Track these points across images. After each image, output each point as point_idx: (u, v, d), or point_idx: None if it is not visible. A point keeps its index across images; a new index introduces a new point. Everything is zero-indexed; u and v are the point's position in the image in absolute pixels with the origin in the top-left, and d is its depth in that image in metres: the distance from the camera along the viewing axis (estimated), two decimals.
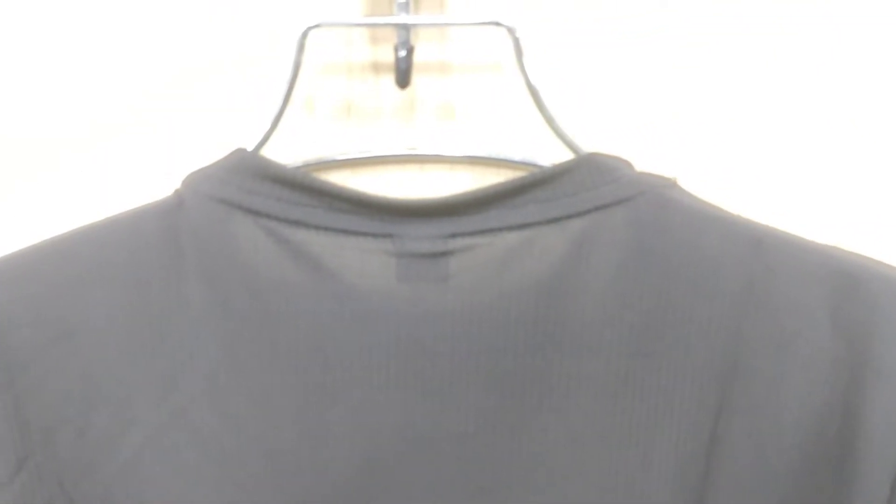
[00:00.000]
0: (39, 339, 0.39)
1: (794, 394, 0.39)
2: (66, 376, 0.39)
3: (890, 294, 0.38)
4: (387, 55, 0.41)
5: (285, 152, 0.42)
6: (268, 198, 0.39)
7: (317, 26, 0.38)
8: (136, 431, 0.40)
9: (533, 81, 0.38)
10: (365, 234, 0.39)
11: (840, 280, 0.38)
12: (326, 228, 0.39)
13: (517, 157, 0.42)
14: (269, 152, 0.39)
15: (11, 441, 0.39)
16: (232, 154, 0.39)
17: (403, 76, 0.39)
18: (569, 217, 0.38)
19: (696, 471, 0.40)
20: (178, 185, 0.39)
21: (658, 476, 0.41)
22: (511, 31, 0.38)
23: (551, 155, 0.42)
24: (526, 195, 0.38)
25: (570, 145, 0.39)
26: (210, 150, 0.42)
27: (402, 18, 0.38)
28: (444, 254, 0.39)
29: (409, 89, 0.40)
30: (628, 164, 0.39)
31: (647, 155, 0.43)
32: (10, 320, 0.39)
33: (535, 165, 0.42)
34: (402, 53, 0.38)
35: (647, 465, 0.40)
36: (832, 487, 0.40)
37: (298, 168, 0.42)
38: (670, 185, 0.39)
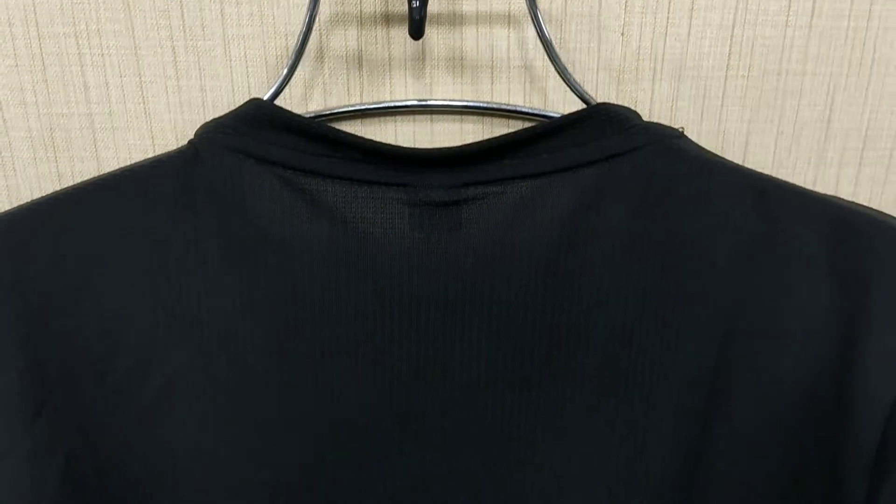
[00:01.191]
0: (60, 288, 0.40)
1: (793, 341, 0.40)
2: (86, 324, 0.40)
3: (886, 241, 0.39)
4: (399, 6, 0.41)
5: (299, 103, 0.43)
6: (283, 147, 0.39)
7: None
8: (156, 376, 0.41)
9: (546, 33, 0.39)
10: (379, 184, 0.39)
11: (838, 228, 0.39)
12: (341, 178, 0.39)
13: (528, 108, 0.43)
14: (282, 103, 0.40)
15: (31, 386, 0.40)
16: (247, 104, 0.39)
17: (417, 27, 0.39)
18: (579, 167, 0.39)
19: (698, 419, 0.41)
20: (188, 135, 0.39)
21: (661, 425, 0.42)
22: None
23: (562, 107, 0.43)
24: (538, 145, 0.39)
25: (582, 96, 0.40)
26: (224, 100, 0.43)
27: None
28: (457, 203, 0.40)
29: (421, 41, 0.40)
30: (637, 115, 0.40)
31: (655, 107, 0.44)
32: (30, 271, 0.39)
33: (545, 117, 0.42)
34: (416, 4, 0.39)
35: (651, 414, 0.41)
36: (829, 432, 0.41)
37: (312, 118, 0.42)
38: (677, 135, 0.40)
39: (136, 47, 0.41)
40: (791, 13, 0.41)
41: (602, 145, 0.39)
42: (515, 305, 0.40)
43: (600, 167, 0.39)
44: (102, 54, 0.41)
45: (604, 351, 0.40)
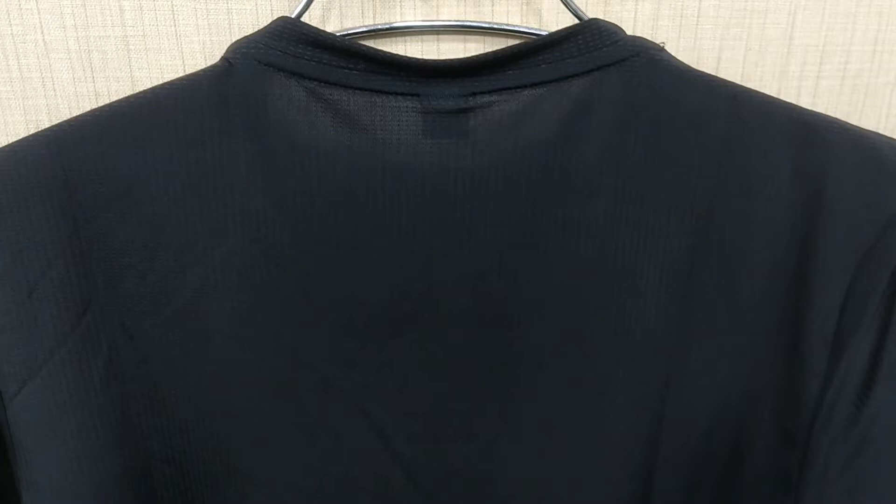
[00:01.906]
0: (104, 194, 0.44)
1: (761, 229, 0.45)
2: (129, 227, 0.44)
3: (842, 142, 0.45)
4: None
5: (317, 24, 0.47)
6: (309, 61, 0.43)
7: None
8: (193, 275, 0.45)
9: None
10: (395, 94, 0.44)
11: (801, 130, 0.45)
12: (361, 88, 0.44)
13: (525, 27, 0.47)
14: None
15: (78, 286, 0.44)
16: (275, 22, 0.43)
17: None
18: (574, 76, 0.44)
19: (679, 298, 0.47)
20: (216, 56, 0.43)
21: (646, 302, 0.47)
22: None
23: (556, 26, 0.47)
24: (537, 56, 0.44)
25: (575, 13, 0.44)
26: (249, 22, 0.47)
27: None
28: (465, 111, 0.44)
29: None
30: (623, 31, 0.45)
31: (639, 25, 0.48)
32: (77, 178, 0.43)
33: (540, 35, 0.47)
34: None
35: (637, 293, 0.47)
36: (793, 312, 0.47)
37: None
38: (659, 49, 0.45)
39: None
40: None
41: (593, 57, 0.44)
42: (516, 200, 0.45)
43: (592, 76, 0.44)
44: None
45: (596, 237, 0.46)
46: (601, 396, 0.49)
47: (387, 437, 0.49)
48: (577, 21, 0.45)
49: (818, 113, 0.45)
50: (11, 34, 0.46)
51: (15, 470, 0.46)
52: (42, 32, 0.46)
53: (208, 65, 0.43)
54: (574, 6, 0.44)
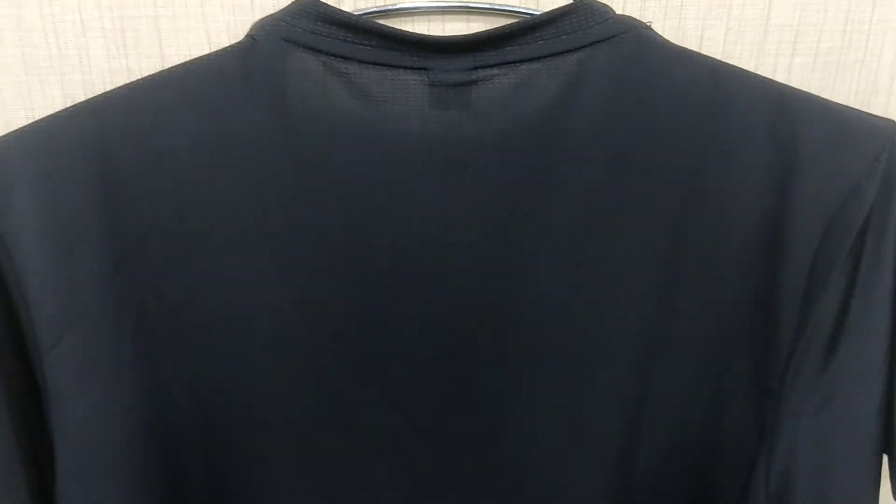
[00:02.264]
0: (137, 162, 0.47)
1: (740, 194, 0.49)
2: (159, 191, 0.48)
3: (813, 112, 0.49)
4: None
5: (333, 5, 0.51)
6: (326, 37, 0.47)
7: None
8: (218, 236, 0.49)
9: None
10: (404, 68, 0.48)
11: (776, 102, 0.49)
12: (373, 63, 0.48)
13: (523, 8, 0.51)
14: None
15: (112, 248, 0.48)
16: (296, 2, 0.47)
17: None
18: (567, 52, 0.48)
19: (665, 259, 0.51)
20: (240, 35, 0.47)
21: (634, 264, 0.51)
22: None
23: (550, 7, 0.51)
24: (534, 34, 0.47)
25: None
26: (269, 3, 0.51)
27: None
28: (468, 83, 0.48)
29: None
30: (613, 10, 0.49)
31: (627, 6, 0.52)
32: (113, 147, 0.47)
33: None
34: None
35: (625, 255, 0.50)
36: (769, 272, 0.51)
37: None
38: (646, 27, 0.49)
39: None
40: None
41: (586, 34, 0.48)
42: (514, 168, 0.49)
43: (584, 52, 0.48)
44: None
45: (587, 202, 0.50)
46: (596, 346, 0.53)
47: (393, 388, 0.53)
48: (570, 1, 0.49)
49: (791, 87, 0.49)
50: (52, 14, 0.50)
51: (48, 418, 0.49)
52: (79, 13, 0.50)
53: (233, 42, 0.47)
54: None
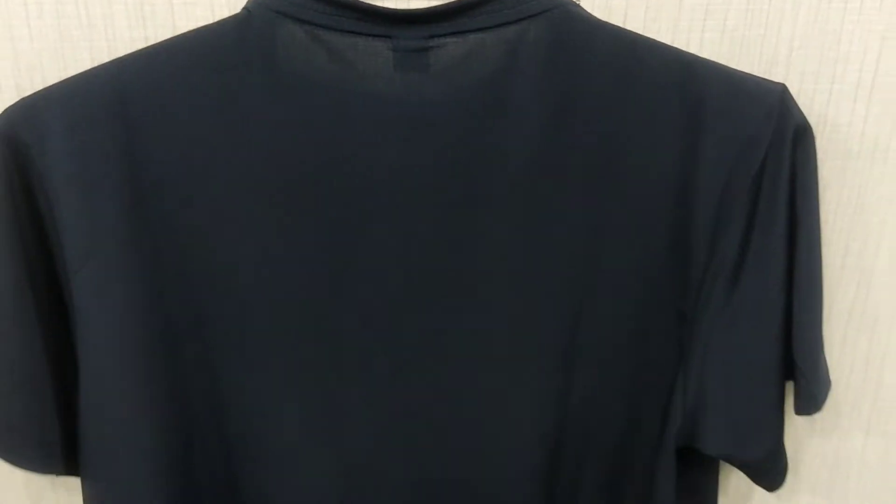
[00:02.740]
0: (151, 113, 0.56)
1: (656, 149, 0.58)
2: (169, 139, 0.57)
3: (715, 76, 0.58)
4: None
5: None
6: (310, 10, 0.56)
7: None
8: (221, 181, 0.58)
9: None
10: (373, 36, 0.57)
11: (684, 67, 0.58)
12: (348, 31, 0.56)
13: None
14: None
15: (130, 188, 0.57)
16: None
17: None
18: (508, 23, 0.56)
19: (594, 207, 0.59)
20: (237, 8, 0.57)
21: (570, 206, 0.59)
22: None
23: None
24: (482, 7, 0.56)
25: None
26: None
27: None
28: (425, 49, 0.57)
29: None
30: None
31: None
32: (131, 100, 0.56)
33: None
34: None
35: (562, 200, 0.59)
36: (682, 215, 0.60)
37: None
38: (575, 4, 0.58)
39: None
40: None
41: (524, 8, 0.56)
42: (464, 123, 0.58)
43: (522, 24, 0.57)
44: None
45: (526, 156, 0.58)
46: (535, 284, 0.61)
47: (362, 309, 0.61)
48: None
49: (696, 55, 0.59)
50: None
51: (76, 333, 0.59)
52: None
53: (232, 14, 0.57)
54: None
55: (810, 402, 0.64)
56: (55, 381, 0.61)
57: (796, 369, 0.63)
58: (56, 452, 0.62)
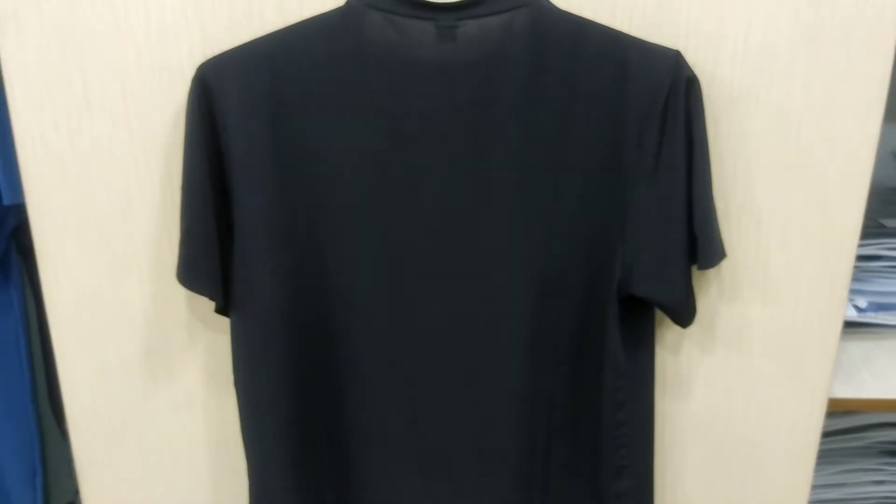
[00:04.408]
0: (286, 67, 0.93)
1: (600, 96, 0.93)
2: (296, 83, 0.93)
3: (634, 44, 0.93)
4: None
5: None
6: (385, 3, 0.92)
7: None
8: (324, 112, 0.94)
9: None
10: (422, 18, 0.93)
11: (617, 41, 0.92)
12: (408, 16, 0.92)
13: None
14: None
15: (270, 116, 0.94)
16: None
17: None
18: (504, 11, 0.93)
19: (564, 137, 0.95)
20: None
21: (547, 140, 0.95)
22: None
23: None
24: (488, 2, 0.92)
25: None
26: None
27: None
28: (454, 27, 0.93)
29: None
30: None
31: None
32: (275, 59, 0.93)
33: None
34: None
35: (540, 135, 0.94)
36: (618, 140, 0.96)
37: None
38: (548, 1, 0.95)
39: None
40: None
41: (512, 3, 0.92)
42: (477, 79, 0.92)
43: (512, 12, 0.91)
44: None
45: (518, 98, 0.92)
46: (529, 193, 0.96)
47: (413, 203, 0.98)
48: None
49: (624, 32, 0.95)
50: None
51: (233, 208, 0.97)
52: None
53: (336, 7, 0.94)
54: None
55: (707, 261, 0.99)
56: (220, 236, 0.98)
57: (696, 239, 0.97)
58: (217, 284, 1.00)
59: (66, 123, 1.00)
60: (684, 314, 1.02)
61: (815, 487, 1.49)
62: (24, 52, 0.98)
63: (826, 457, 1.49)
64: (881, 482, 1.52)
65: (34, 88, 0.99)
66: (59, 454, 1.34)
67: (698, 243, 0.98)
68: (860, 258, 1.36)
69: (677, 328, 1.08)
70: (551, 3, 0.93)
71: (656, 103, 0.93)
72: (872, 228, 1.40)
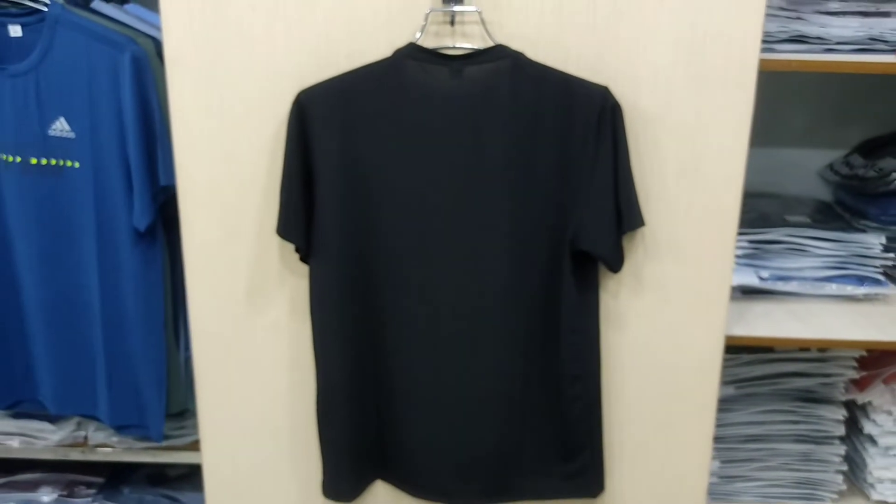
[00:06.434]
0: (351, 97, 1.46)
1: (556, 120, 1.43)
2: (357, 108, 1.46)
3: (578, 82, 1.44)
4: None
5: (422, 42, 1.49)
6: (418, 55, 1.44)
7: None
8: (377, 131, 1.47)
9: (486, 30, 1.47)
10: (442, 65, 1.44)
11: (566, 79, 1.43)
12: (433, 62, 1.44)
13: (482, 47, 1.50)
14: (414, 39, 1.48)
15: (339, 132, 1.47)
16: (409, 44, 1.46)
17: (451, 19, 1.47)
18: (493, 61, 1.43)
19: (540, 148, 1.47)
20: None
21: (525, 152, 1.47)
22: None
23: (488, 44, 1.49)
24: (483, 55, 1.43)
25: (494, 40, 1.47)
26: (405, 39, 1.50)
27: None
28: (461, 70, 1.43)
29: (454, 30, 1.48)
30: (507, 47, 1.44)
31: (516, 46, 1.50)
32: (345, 91, 1.46)
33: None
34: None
35: (523, 148, 1.47)
36: (571, 147, 1.48)
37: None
38: (521, 53, 1.47)
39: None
40: None
41: (499, 54, 1.44)
42: (476, 109, 1.43)
43: (499, 62, 1.42)
44: None
45: (507, 126, 1.44)
46: (524, 186, 1.48)
47: (436, 187, 1.50)
48: (493, 43, 1.47)
49: (570, 74, 1.46)
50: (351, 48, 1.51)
51: (315, 189, 1.51)
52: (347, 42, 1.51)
53: (386, 57, 1.47)
54: (494, 39, 1.47)
55: (629, 225, 1.49)
56: (305, 207, 1.52)
57: (620, 212, 1.48)
58: (302, 238, 1.53)
59: (205, 128, 1.54)
60: (615, 262, 1.52)
61: (741, 424, 1.96)
62: (183, 85, 1.52)
63: (750, 399, 1.93)
64: (797, 422, 1.95)
65: (190, 112, 1.50)
66: (177, 372, 1.85)
67: (623, 213, 1.47)
68: (765, 241, 1.85)
69: (616, 278, 1.56)
70: (525, 56, 1.45)
71: (593, 119, 1.44)
72: (778, 221, 1.89)
